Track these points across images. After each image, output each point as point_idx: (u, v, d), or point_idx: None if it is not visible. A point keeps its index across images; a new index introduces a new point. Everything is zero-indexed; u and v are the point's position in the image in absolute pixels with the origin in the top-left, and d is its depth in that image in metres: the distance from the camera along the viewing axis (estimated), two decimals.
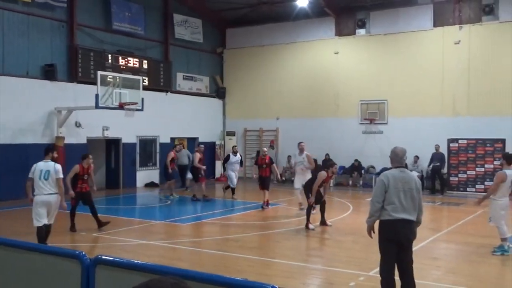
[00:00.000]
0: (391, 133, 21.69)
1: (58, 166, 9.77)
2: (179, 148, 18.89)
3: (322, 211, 12.50)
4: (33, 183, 9.72)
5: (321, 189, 12.42)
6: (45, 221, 9.64)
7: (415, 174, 6.53)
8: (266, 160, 15.84)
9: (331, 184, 22.27)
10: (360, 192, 20.40)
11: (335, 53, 23.20)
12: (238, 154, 18.54)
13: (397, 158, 6.42)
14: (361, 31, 22.78)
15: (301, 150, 14.77)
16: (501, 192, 9.38)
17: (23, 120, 17.40)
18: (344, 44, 23.14)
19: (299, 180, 14.46)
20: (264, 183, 15.58)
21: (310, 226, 11.92)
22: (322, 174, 12.21)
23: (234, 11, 24.90)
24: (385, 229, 6.24)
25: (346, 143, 22.51)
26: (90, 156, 12.04)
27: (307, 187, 12.63)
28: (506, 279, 8.32)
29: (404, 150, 6.49)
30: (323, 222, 12.34)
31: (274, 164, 16.37)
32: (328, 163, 13.42)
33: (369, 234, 6.48)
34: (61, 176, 9.73)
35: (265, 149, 17.44)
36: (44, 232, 9.61)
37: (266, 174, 15.77)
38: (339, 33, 23.26)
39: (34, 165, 9.84)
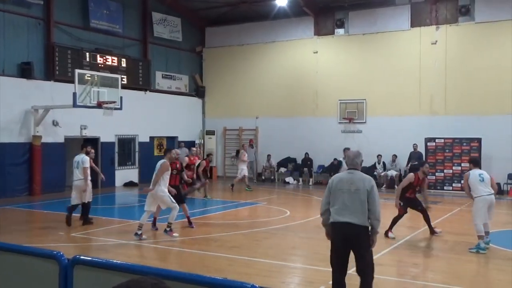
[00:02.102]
0: (370, 132, 21.90)
1: (85, 158, 12.15)
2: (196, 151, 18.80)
3: (426, 219, 11.14)
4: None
5: (418, 194, 11.29)
6: (76, 201, 12.09)
7: (368, 176, 6.05)
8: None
9: (310, 183, 22.41)
10: None
11: (314, 53, 23.31)
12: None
13: (349, 161, 6.29)
14: (340, 31, 22.93)
15: None
16: (473, 191, 9.71)
17: None
18: (323, 44, 23.26)
19: None
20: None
21: (390, 234, 10.76)
22: (410, 176, 11.08)
23: (213, 10, 24.84)
24: (331, 233, 6.08)
25: (325, 142, 22.63)
26: (92, 150, 13.02)
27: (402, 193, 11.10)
28: (483, 276, 8.46)
29: (356, 153, 6.29)
30: (432, 231, 11.14)
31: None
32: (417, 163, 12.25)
33: (327, 236, 6.26)
34: (86, 165, 12.05)
35: (194, 148, 17.38)
36: (72, 209, 12.05)
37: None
38: (318, 32, 23.38)
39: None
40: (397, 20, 21.72)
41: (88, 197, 12.26)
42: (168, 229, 10.83)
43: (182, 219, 12.10)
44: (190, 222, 11.97)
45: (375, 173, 21.03)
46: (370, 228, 5.97)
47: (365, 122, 22.23)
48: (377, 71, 21.92)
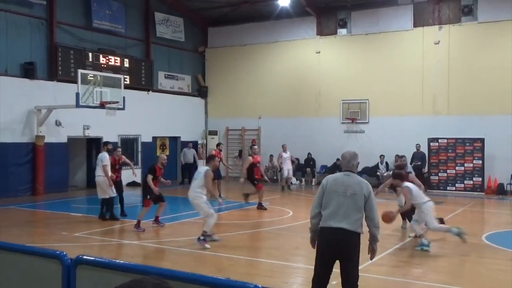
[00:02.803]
0: (373, 132, 21.88)
1: (104, 156, 12.79)
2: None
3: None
4: None
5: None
6: (101, 196, 12.80)
7: (365, 181, 5.72)
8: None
9: (313, 183, 22.39)
10: None
11: (317, 53, 23.30)
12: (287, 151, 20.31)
13: (345, 162, 5.79)
14: (343, 31, 22.91)
15: None
16: (420, 199, 9.99)
17: (2, 119, 17.14)
18: (325, 44, 23.24)
19: None
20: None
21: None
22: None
23: (216, 10, 24.85)
24: (319, 238, 5.56)
25: (328, 143, 22.61)
26: (118, 148, 13.99)
27: None
28: (485, 276, 8.44)
29: (353, 154, 5.83)
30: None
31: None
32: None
33: (311, 243, 5.74)
34: (105, 163, 12.62)
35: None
36: (104, 202, 12.86)
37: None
38: (321, 32, 23.37)
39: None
40: (400, 20, 21.69)
41: (109, 192, 12.79)
42: (202, 238, 9.93)
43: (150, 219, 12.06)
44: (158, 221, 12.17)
45: (378, 173, 21.02)
46: (367, 236, 5.65)
47: (367, 122, 22.20)
48: (380, 71, 21.90)
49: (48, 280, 3.52)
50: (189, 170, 20.81)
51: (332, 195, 5.49)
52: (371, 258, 5.88)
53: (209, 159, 10.99)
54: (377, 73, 21.97)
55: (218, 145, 18.59)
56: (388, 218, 9.39)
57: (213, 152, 17.03)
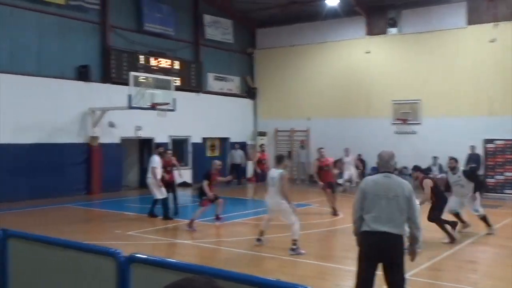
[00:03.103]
0: (425, 133, 21.34)
1: (154, 158, 13.36)
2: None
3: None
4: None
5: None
6: (155, 196, 13.22)
7: (406, 181, 5.56)
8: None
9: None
10: None
11: (367, 53, 22.95)
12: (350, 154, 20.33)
13: (383, 163, 5.62)
14: (393, 30, 22.48)
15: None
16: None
17: (59, 120, 17.76)
18: (375, 44, 22.87)
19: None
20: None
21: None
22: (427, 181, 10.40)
23: (264, 11, 24.89)
24: (363, 243, 5.46)
25: (378, 144, 22.05)
26: (168, 151, 14.60)
27: None
28: None
29: (391, 154, 5.67)
30: None
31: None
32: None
33: (359, 245, 5.66)
34: (154, 165, 13.21)
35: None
36: (158, 202, 13.29)
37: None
38: (370, 32, 23.02)
39: None
40: (453, 17, 21.07)
41: (159, 193, 13.23)
42: (294, 247, 9.45)
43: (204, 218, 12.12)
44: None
45: (430, 175, 20.50)
46: (407, 238, 5.53)
47: (420, 123, 21.67)
48: (432, 71, 21.34)
49: (103, 276, 3.59)
50: (237, 170, 22.43)
51: (374, 199, 5.36)
52: (412, 260, 5.76)
53: (280, 160, 10.03)
54: (429, 73, 21.43)
55: (261, 146, 18.74)
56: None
57: (258, 155, 17.18)
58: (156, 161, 13.32)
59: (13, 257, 4.26)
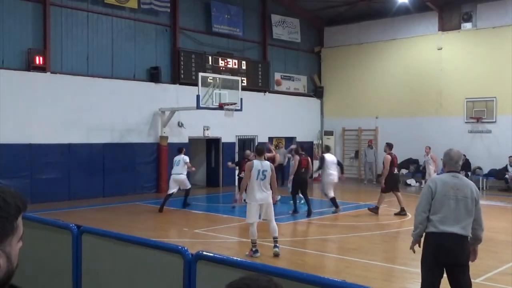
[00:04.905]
0: (501, 132, 20.41)
1: (186, 157, 14.94)
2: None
3: None
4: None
5: None
6: (172, 190, 14.59)
7: (472, 183, 5.46)
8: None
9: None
10: None
11: (439, 49, 22.21)
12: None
13: (452, 162, 5.45)
14: (467, 25, 21.63)
15: None
16: None
17: (130, 121, 18.38)
18: (448, 40, 22.10)
19: None
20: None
21: None
22: None
23: (331, 10, 24.65)
24: (429, 244, 5.32)
25: (450, 143, 21.11)
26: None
27: None
28: None
29: (460, 154, 5.54)
30: None
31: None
32: None
33: (413, 249, 5.64)
34: (187, 160, 14.79)
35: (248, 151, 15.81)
36: (169, 196, 14.53)
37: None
38: (443, 28, 22.26)
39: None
40: None
41: (186, 184, 14.89)
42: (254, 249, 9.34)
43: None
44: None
45: (506, 176, 19.61)
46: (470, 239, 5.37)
47: (495, 122, 20.75)
48: (509, 67, 20.33)
49: (170, 273, 3.69)
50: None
51: (443, 199, 5.25)
52: (472, 260, 5.55)
53: (261, 152, 9.49)
54: (505, 69, 20.43)
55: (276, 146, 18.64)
56: None
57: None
58: (187, 158, 15.02)
59: (86, 252, 4.47)
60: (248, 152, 15.16)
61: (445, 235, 5.20)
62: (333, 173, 14.51)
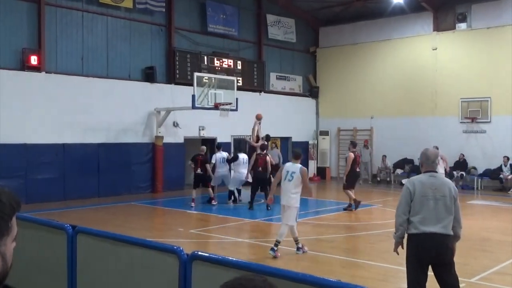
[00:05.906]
0: (495, 132, 20.49)
1: (225, 154, 16.42)
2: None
3: None
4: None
5: None
6: (230, 187, 16.10)
7: (450, 181, 5.53)
8: None
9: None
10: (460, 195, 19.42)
11: (433, 49, 22.28)
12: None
13: (429, 162, 5.46)
14: (462, 26, 21.70)
15: None
16: None
17: (126, 121, 18.34)
18: (443, 40, 22.17)
19: None
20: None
21: None
22: None
23: (327, 10, 24.68)
24: (412, 245, 5.38)
25: (446, 143, 21.47)
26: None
27: None
28: None
29: (436, 153, 5.59)
30: None
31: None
32: None
33: (396, 251, 5.61)
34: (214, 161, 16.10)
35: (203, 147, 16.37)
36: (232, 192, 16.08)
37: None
38: (437, 28, 22.32)
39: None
40: None
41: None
42: (276, 248, 9.38)
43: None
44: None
45: (501, 175, 19.68)
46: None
47: (489, 122, 20.83)
48: (503, 67, 20.41)
49: (166, 273, 3.69)
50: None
51: (422, 200, 5.28)
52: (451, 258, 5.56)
53: (298, 155, 9.55)
54: (500, 69, 20.52)
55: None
56: None
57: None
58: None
59: (81, 253, 4.45)
60: (203, 147, 16.13)
61: (426, 236, 5.23)
62: (243, 171, 15.97)
